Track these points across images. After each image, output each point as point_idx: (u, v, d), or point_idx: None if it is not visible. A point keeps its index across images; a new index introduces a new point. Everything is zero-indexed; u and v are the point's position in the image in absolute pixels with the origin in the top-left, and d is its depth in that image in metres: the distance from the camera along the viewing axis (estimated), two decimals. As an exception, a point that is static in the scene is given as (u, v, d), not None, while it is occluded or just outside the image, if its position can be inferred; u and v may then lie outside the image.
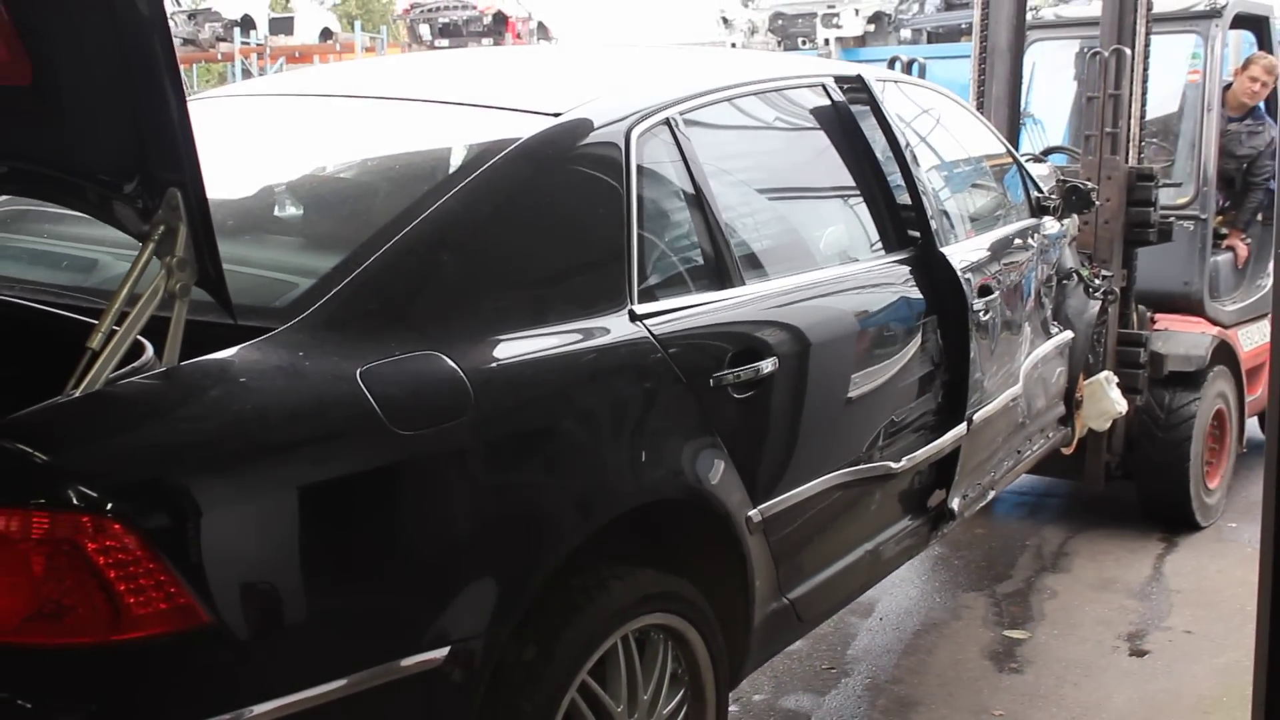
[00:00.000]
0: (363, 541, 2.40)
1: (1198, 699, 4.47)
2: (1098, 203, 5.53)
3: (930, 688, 4.53)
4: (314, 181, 3.33)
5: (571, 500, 2.77)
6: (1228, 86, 6.74)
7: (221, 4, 29.54)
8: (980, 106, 6.41)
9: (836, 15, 22.70)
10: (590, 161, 3.12)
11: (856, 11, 22.66)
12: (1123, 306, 5.96)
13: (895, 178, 3.99)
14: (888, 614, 5.23)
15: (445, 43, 28.16)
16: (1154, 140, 6.77)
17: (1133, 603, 5.36)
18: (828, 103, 3.94)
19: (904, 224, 3.97)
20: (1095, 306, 5.30)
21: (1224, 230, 6.91)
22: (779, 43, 22.99)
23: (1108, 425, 5.65)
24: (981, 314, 4.07)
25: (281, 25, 30.39)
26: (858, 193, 3.94)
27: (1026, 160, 6.09)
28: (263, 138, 3.54)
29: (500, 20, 29.45)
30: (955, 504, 4.12)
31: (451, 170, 3.03)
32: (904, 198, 4.01)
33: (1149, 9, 5.91)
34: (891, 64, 6.56)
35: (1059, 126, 7.07)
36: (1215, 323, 6.46)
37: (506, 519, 2.64)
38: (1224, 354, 6.39)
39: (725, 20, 24.36)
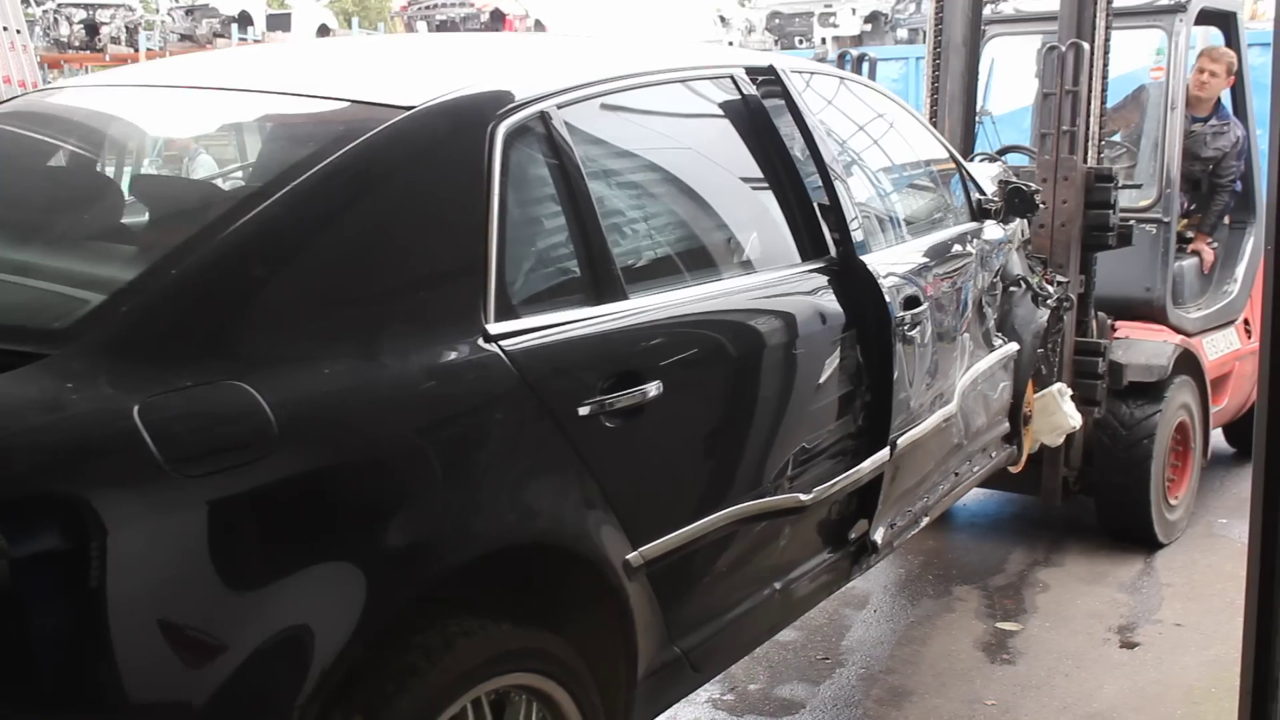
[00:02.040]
0: (130, 610, 1.98)
1: (1187, 690, 4.42)
2: (1042, 204, 5.06)
3: (924, 678, 4.50)
4: (124, 183, 2.88)
5: (397, 552, 2.32)
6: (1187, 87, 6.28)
7: (219, 0, 29.10)
8: (934, 104, 5.98)
9: (833, 14, 22.30)
10: (445, 160, 2.68)
11: (853, 11, 22.25)
12: (1080, 314, 5.51)
13: (813, 179, 3.53)
14: (881, 606, 5.20)
15: (442, 40, 27.64)
16: (1116, 140, 6.33)
17: (1124, 596, 5.30)
18: (736, 96, 3.48)
19: (820, 229, 3.51)
20: (1044, 316, 4.83)
21: (1189, 234, 6.46)
22: (776, 42, 22.60)
23: (1061, 440, 5.20)
24: (907, 328, 3.62)
25: (279, 22, 29.91)
26: (767, 195, 3.48)
27: (981, 160, 5.68)
28: (77, 133, 3.09)
29: (498, 17, 28.97)
30: (878, 536, 3.68)
31: (280, 170, 2.58)
32: (822, 200, 3.54)
33: (1109, 2, 5.45)
34: (841, 60, 6.14)
35: (1020, 125, 6.61)
36: (1178, 330, 6.02)
37: (314, 575, 2.21)
38: (1187, 363, 5.94)
39: (722, 19, 23.95)
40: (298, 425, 2.20)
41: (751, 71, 3.55)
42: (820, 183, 3.53)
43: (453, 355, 2.50)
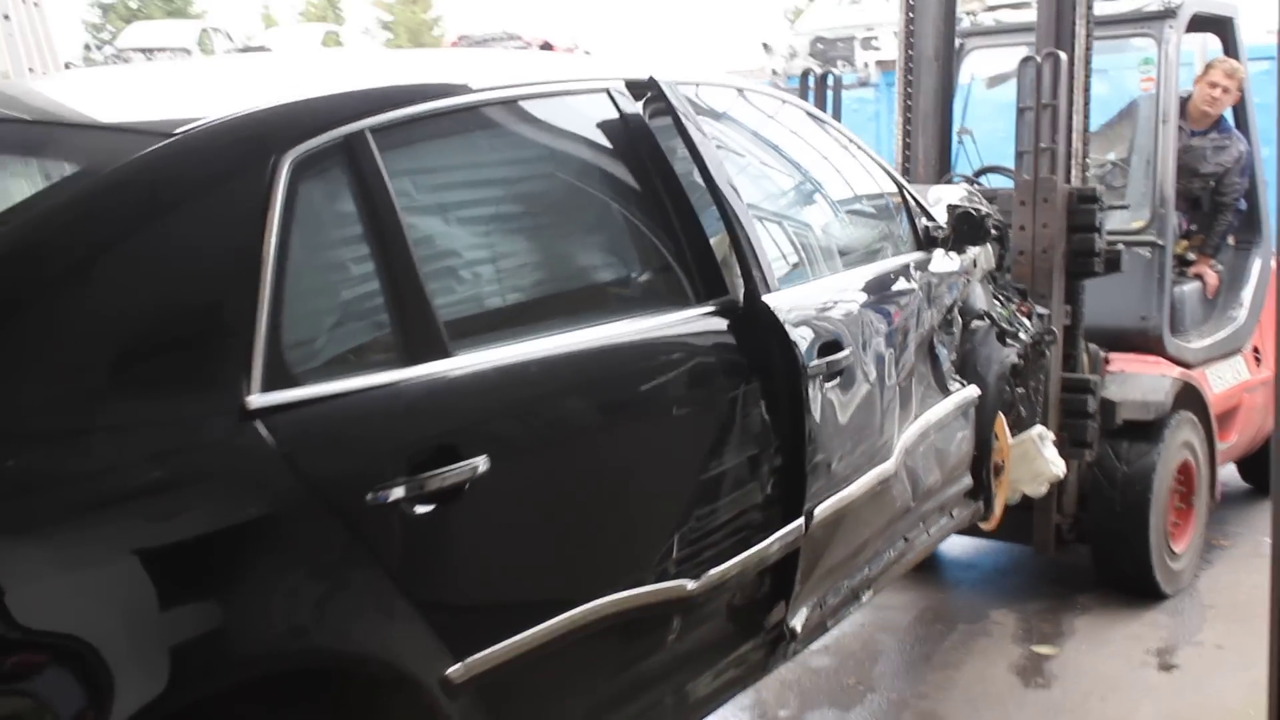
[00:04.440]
0: None
1: (1225, 712, 4.24)
2: (995, 230, 4.35)
3: (955, 703, 4.34)
4: None
5: (107, 690, 1.76)
6: (1187, 98, 5.62)
7: (273, 43, 28.88)
8: (907, 122, 5.37)
9: (875, 38, 21.67)
10: (209, 196, 2.14)
11: (895, 34, 21.55)
12: (1068, 347, 4.87)
13: (708, 209, 2.93)
14: (916, 631, 5.02)
15: (493, 73, 27.40)
16: (1111, 160, 5.69)
17: (1164, 618, 5.04)
18: (613, 114, 2.88)
19: (715, 266, 2.90)
20: (1010, 354, 4.16)
21: (1191, 256, 5.78)
22: (819, 66, 21.95)
23: (1044, 489, 4.54)
24: (824, 378, 3.00)
25: (321, 66, 29.63)
26: (649, 229, 2.88)
27: (957, 181, 5.07)
28: None
29: (546, 49, 28.61)
30: (798, 621, 3.05)
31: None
32: (719, 233, 2.94)
33: (1089, 9, 4.83)
34: (804, 77, 5.55)
35: (1004, 144, 5.97)
36: (1179, 362, 5.34)
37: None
38: (1189, 398, 5.26)
39: (765, 45, 23.38)
40: None
41: (633, 86, 2.96)
42: (716, 213, 2.93)
43: (190, 435, 1.95)
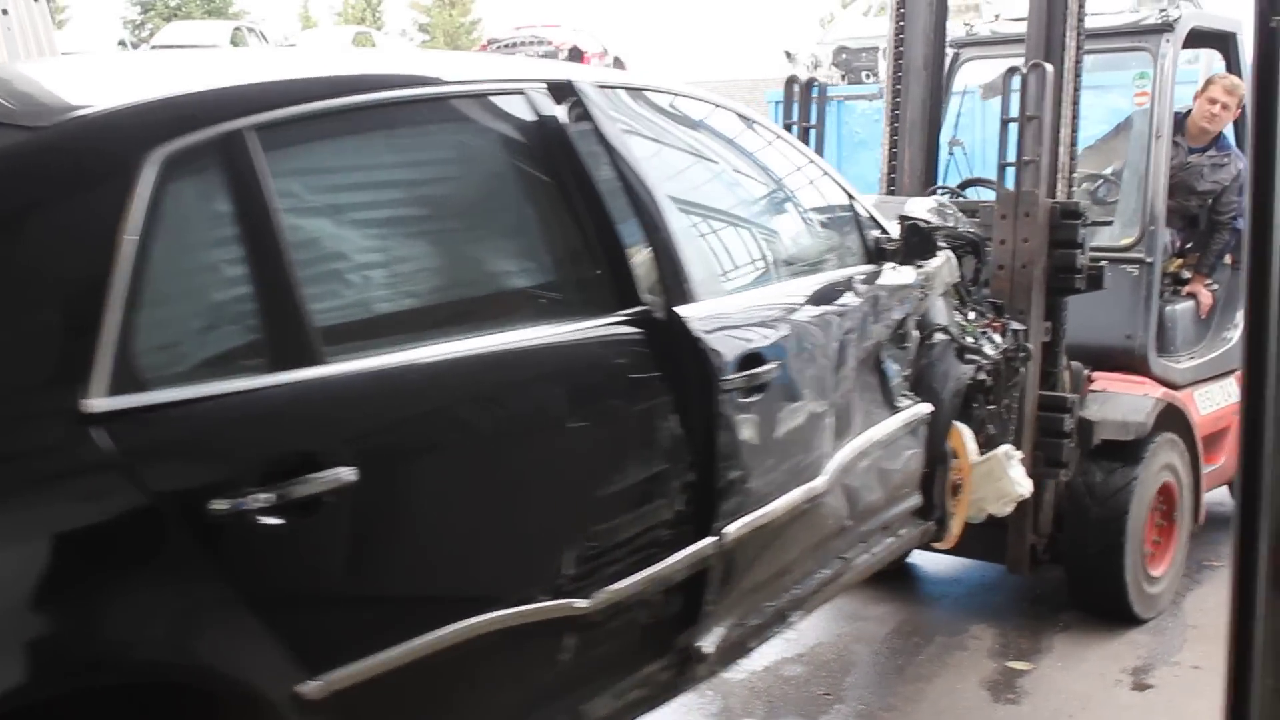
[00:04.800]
0: None
1: None
2: (940, 243, 4.15)
3: (922, 716, 4.33)
4: None
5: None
6: (1186, 114, 5.46)
7: (305, 42, 29.10)
8: (894, 132, 5.25)
9: (899, 48, 21.39)
10: (67, 191, 2.08)
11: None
12: (1048, 365, 4.73)
13: (625, 217, 2.82)
14: (893, 643, 4.97)
15: (522, 78, 27.36)
16: (1107, 175, 5.55)
17: (1145, 637, 4.97)
18: (528, 117, 2.79)
19: (626, 275, 2.80)
20: (968, 370, 4.03)
21: (1185, 275, 5.62)
22: (843, 76, 21.80)
23: (1010, 509, 4.40)
24: (741, 393, 2.90)
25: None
26: (557, 236, 2.79)
27: (942, 194, 4.95)
28: None
29: (576, 55, 28.50)
30: (709, 642, 2.94)
31: None
32: (637, 241, 2.84)
33: (1080, 21, 4.69)
34: (789, 85, 5.44)
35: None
36: (1164, 383, 5.18)
37: None
38: (1172, 419, 5.10)
39: (788, 55, 23.23)
40: None
41: (552, 88, 2.87)
42: (635, 221, 2.84)
43: (19, 438, 1.89)
